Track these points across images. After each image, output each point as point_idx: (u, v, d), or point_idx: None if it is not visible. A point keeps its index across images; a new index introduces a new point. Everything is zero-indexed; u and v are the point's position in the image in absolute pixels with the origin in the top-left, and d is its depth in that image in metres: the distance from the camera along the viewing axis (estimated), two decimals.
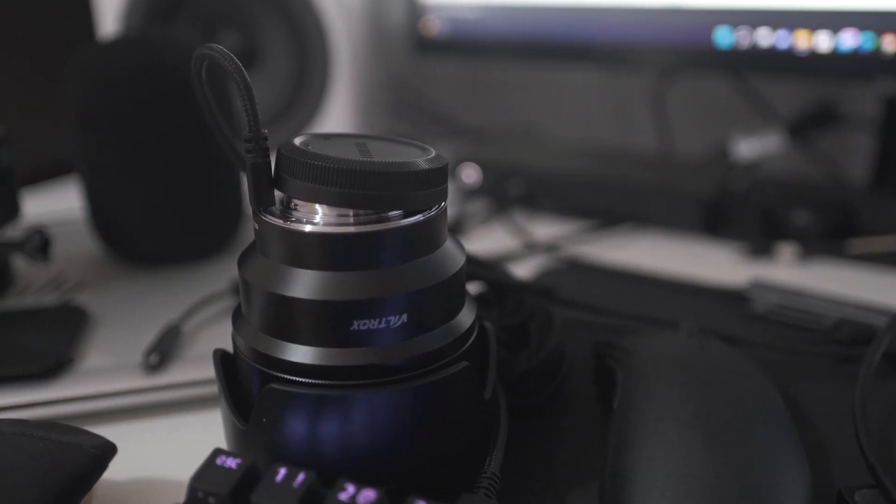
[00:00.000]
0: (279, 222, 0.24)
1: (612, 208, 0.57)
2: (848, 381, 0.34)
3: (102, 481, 0.28)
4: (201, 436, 0.32)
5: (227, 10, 0.64)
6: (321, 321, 0.24)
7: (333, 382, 0.24)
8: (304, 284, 0.24)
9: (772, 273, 0.47)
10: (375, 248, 0.24)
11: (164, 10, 0.64)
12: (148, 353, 0.35)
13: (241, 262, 0.26)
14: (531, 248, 0.52)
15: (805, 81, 0.69)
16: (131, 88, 0.42)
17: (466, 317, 0.27)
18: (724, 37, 0.56)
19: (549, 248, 0.52)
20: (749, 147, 0.65)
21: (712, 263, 0.50)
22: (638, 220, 0.56)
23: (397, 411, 0.24)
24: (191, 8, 0.64)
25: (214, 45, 0.24)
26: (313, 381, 0.24)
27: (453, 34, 0.68)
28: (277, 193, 0.25)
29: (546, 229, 0.56)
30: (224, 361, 0.28)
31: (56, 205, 0.59)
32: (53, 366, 0.35)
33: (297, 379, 0.24)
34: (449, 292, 0.26)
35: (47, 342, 0.37)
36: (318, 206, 0.24)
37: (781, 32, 0.54)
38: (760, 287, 0.43)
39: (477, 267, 0.36)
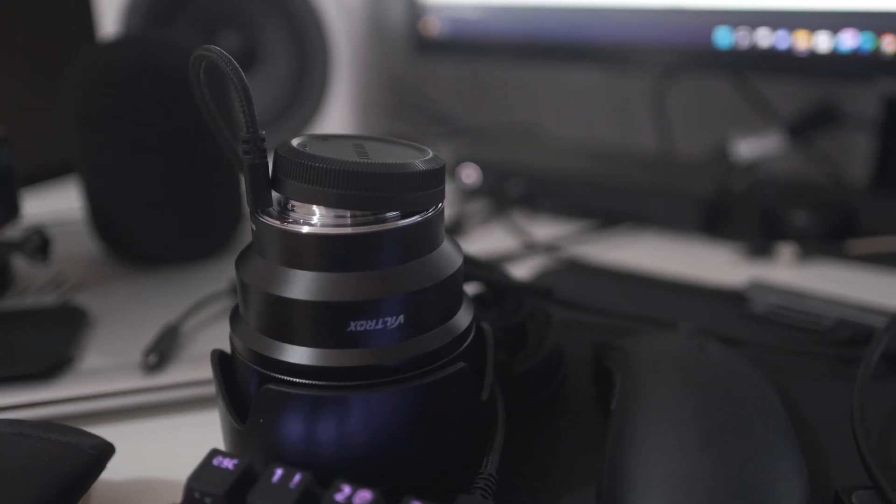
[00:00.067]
0: (276, 223, 0.24)
1: (611, 208, 0.57)
2: (846, 381, 0.34)
3: (100, 481, 0.28)
4: (199, 436, 0.32)
5: (227, 11, 0.64)
6: (318, 322, 0.24)
7: (330, 383, 0.24)
8: (301, 285, 0.24)
9: (771, 273, 0.47)
10: (372, 249, 0.24)
11: (165, 11, 0.64)
12: (147, 354, 0.35)
13: (239, 263, 0.26)
14: (531, 248, 0.52)
15: (805, 82, 0.69)
16: (131, 89, 0.42)
17: (464, 318, 0.27)
18: (723, 37, 0.56)
19: (549, 248, 0.52)
20: (749, 147, 0.65)
21: (712, 264, 0.50)
22: (638, 221, 0.56)
23: (394, 412, 0.24)
24: (191, 9, 0.64)
25: (212, 46, 0.24)
26: (310, 381, 0.24)
27: (453, 35, 0.68)
28: (275, 194, 0.25)
29: (546, 229, 0.56)
30: (222, 362, 0.28)
31: (56, 205, 0.59)
32: (53, 366, 0.35)
33: (295, 380, 0.24)
34: (446, 293, 0.26)
35: (47, 342, 0.37)
36: (315, 208, 0.24)
37: (781, 33, 0.54)
38: (759, 288, 0.43)
39: (475, 268, 0.36)
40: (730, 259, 0.51)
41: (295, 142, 0.25)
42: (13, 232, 0.43)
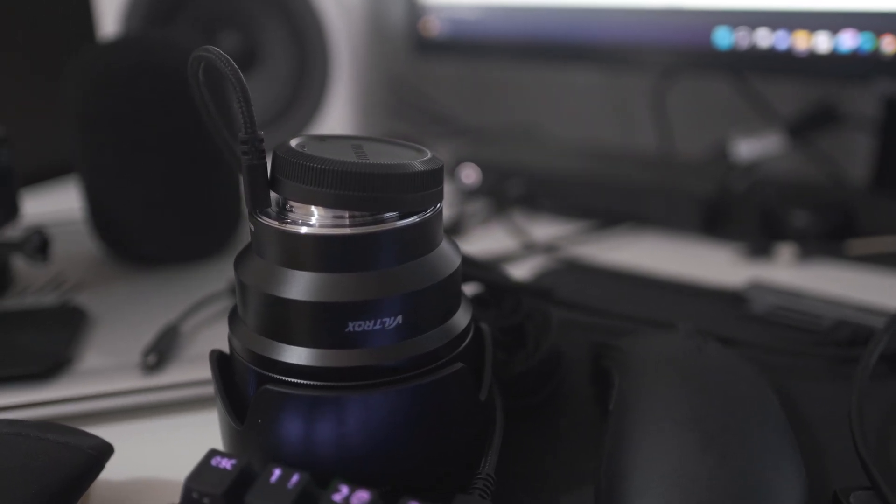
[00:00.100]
0: (275, 224, 0.24)
1: (611, 208, 0.57)
2: (846, 382, 0.34)
3: (99, 481, 0.28)
4: (198, 436, 0.32)
5: (227, 11, 0.64)
6: (316, 322, 0.24)
7: (328, 384, 0.24)
8: (299, 286, 0.24)
9: (771, 274, 0.47)
10: (371, 250, 0.24)
11: (165, 11, 0.64)
12: (146, 354, 0.35)
13: (238, 264, 0.26)
14: (530, 248, 0.52)
15: (805, 82, 0.69)
16: (131, 89, 0.42)
17: (462, 318, 0.27)
18: (723, 37, 0.56)
19: (549, 248, 0.52)
20: (749, 147, 0.65)
21: (711, 264, 0.50)
22: (638, 221, 0.56)
23: (392, 412, 0.24)
24: (191, 9, 0.64)
25: (211, 47, 0.24)
26: (309, 382, 0.24)
27: (453, 35, 0.68)
28: (273, 195, 0.25)
29: (545, 230, 0.56)
30: (220, 362, 0.28)
31: (56, 205, 0.59)
32: (52, 366, 0.35)
33: (293, 380, 0.24)
34: (444, 293, 0.26)
35: (46, 342, 0.37)
36: (313, 208, 0.24)
37: (780, 33, 0.54)
38: (758, 288, 0.43)
39: (474, 268, 0.36)
40: (729, 259, 0.51)
41: (293, 142, 0.25)
42: (13, 232, 0.43)
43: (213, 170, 0.46)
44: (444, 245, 0.27)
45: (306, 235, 0.24)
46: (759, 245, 0.50)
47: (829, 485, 0.28)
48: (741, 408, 0.28)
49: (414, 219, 0.25)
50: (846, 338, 0.38)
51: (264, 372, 0.25)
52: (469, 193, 0.62)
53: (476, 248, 0.52)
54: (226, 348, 0.28)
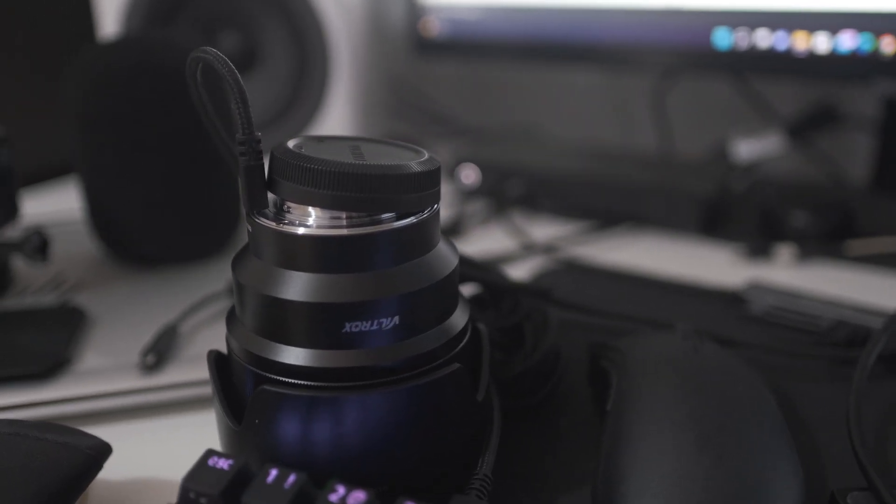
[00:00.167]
0: (272, 224, 0.25)
1: (611, 208, 0.57)
2: (844, 382, 0.34)
3: (98, 481, 0.28)
4: (197, 436, 0.32)
5: (227, 11, 0.64)
6: (313, 323, 0.24)
7: (326, 384, 0.24)
8: (296, 286, 0.24)
9: (770, 274, 0.47)
10: (368, 251, 0.24)
11: (165, 12, 0.64)
12: (145, 354, 0.36)
13: (235, 264, 0.26)
14: (530, 248, 0.52)
15: (804, 82, 0.69)
16: (131, 89, 0.43)
17: (459, 318, 0.27)
18: (722, 38, 0.56)
19: (548, 248, 0.52)
20: (749, 148, 0.65)
21: (711, 264, 0.50)
22: (637, 221, 0.56)
23: (389, 413, 0.25)
24: (191, 9, 0.64)
25: (209, 48, 0.24)
26: (306, 382, 0.24)
27: (453, 35, 0.68)
28: (271, 196, 0.25)
29: (545, 230, 0.56)
30: (218, 362, 0.28)
31: (56, 205, 0.59)
32: (51, 366, 0.35)
33: (290, 380, 0.24)
34: (442, 294, 0.26)
35: (45, 342, 0.37)
36: (310, 209, 0.24)
37: (780, 34, 0.54)
38: (757, 289, 0.43)
39: (472, 268, 0.37)
40: (729, 259, 0.51)
41: (291, 143, 0.25)
42: (13, 232, 0.43)
43: (213, 170, 0.46)
44: (442, 246, 0.27)
45: (303, 236, 0.24)
46: (759, 245, 0.50)
47: (826, 485, 0.28)
48: (738, 408, 0.28)
49: (411, 220, 0.25)
50: (844, 338, 0.38)
51: (262, 372, 0.25)
52: (469, 193, 0.62)
53: (475, 248, 0.52)
54: (224, 349, 0.28)
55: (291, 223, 0.24)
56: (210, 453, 0.24)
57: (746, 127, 0.68)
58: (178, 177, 0.45)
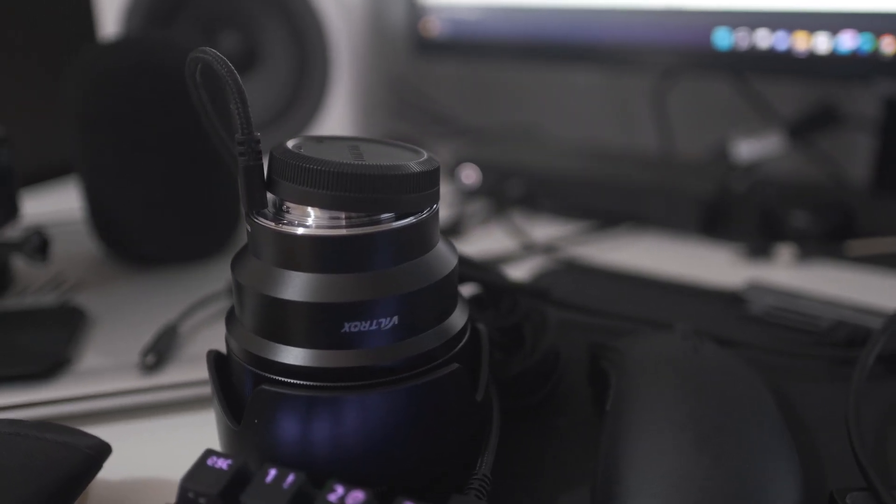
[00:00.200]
0: (271, 225, 0.25)
1: (611, 208, 0.57)
2: (843, 383, 0.34)
3: (97, 481, 0.28)
4: (196, 436, 0.32)
5: (227, 11, 0.64)
6: (313, 323, 0.24)
7: (325, 384, 0.24)
8: (295, 286, 0.24)
9: (771, 274, 0.47)
10: (367, 251, 0.24)
11: (165, 12, 0.64)
12: (144, 354, 0.36)
13: (234, 264, 0.26)
14: (530, 249, 0.52)
15: (805, 83, 0.69)
16: (131, 89, 0.43)
17: (458, 318, 0.27)
18: (723, 38, 0.56)
19: (548, 249, 0.52)
20: (749, 148, 0.65)
21: (711, 264, 0.50)
22: (637, 221, 0.56)
23: (388, 413, 0.25)
24: (191, 9, 0.64)
25: (208, 48, 0.24)
26: (305, 382, 0.24)
27: (453, 35, 0.68)
28: (270, 196, 0.25)
29: (545, 230, 0.56)
30: (217, 362, 0.28)
31: (56, 205, 0.59)
32: (51, 366, 0.35)
33: (289, 380, 0.24)
34: (441, 294, 0.26)
35: (45, 342, 0.37)
36: (309, 209, 0.24)
37: (780, 34, 0.54)
38: (757, 289, 0.43)
39: (471, 268, 0.37)
40: (729, 260, 0.51)
41: (290, 143, 0.25)
42: (13, 232, 0.43)
43: (213, 170, 0.46)
44: (441, 246, 0.27)
45: (302, 236, 0.24)
46: (759, 245, 0.50)
47: (825, 485, 0.28)
48: (737, 408, 0.28)
49: (410, 220, 0.25)
50: (844, 339, 0.38)
51: (261, 372, 0.25)
52: (469, 194, 0.62)
53: (476, 248, 0.52)
54: (224, 349, 0.28)
55: (290, 223, 0.24)
56: (209, 453, 0.24)
57: (747, 127, 0.68)
58: (178, 177, 0.45)
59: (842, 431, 0.29)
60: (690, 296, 0.45)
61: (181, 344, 0.38)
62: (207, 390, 0.33)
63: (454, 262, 0.27)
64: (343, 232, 0.24)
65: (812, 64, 0.53)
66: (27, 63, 0.63)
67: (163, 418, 0.34)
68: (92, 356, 0.37)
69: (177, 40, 0.46)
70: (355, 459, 0.25)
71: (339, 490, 0.22)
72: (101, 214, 0.46)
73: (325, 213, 0.24)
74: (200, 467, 0.23)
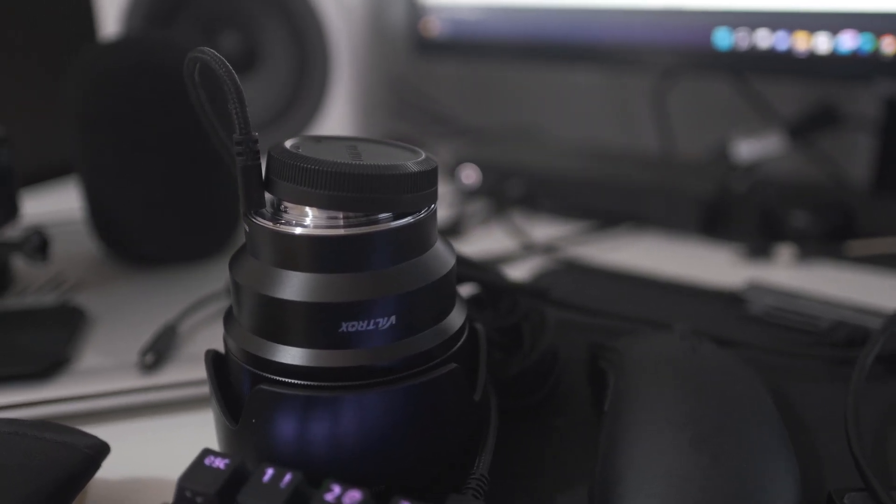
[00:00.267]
0: (269, 224, 0.25)
1: (611, 208, 0.57)
2: (843, 383, 0.34)
3: (96, 480, 0.28)
4: (195, 436, 0.32)
5: (228, 11, 0.64)
6: (310, 323, 0.24)
7: (322, 384, 0.24)
8: (293, 286, 0.24)
9: (770, 274, 0.47)
10: (365, 251, 0.24)
11: (165, 12, 0.64)
12: (144, 353, 0.36)
13: (232, 264, 0.26)
14: (529, 248, 0.52)
15: (805, 83, 0.68)
16: (131, 89, 0.43)
17: (456, 318, 0.27)
18: (723, 38, 0.56)
19: (548, 249, 0.52)
20: (749, 148, 0.65)
21: (711, 264, 0.50)
22: (637, 221, 0.56)
23: (386, 412, 0.25)
24: (191, 9, 0.64)
25: (206, 48, 0.24)
26: (303, 382, 0.24)
27: (454, 35, 0.68)
28: (268, 196, 0.25)
29: (545, 230, 0.56)
30: (216, 362, 0.28)
31: (56, 205, 0.60)
32: (50, 365, 0.35)
33: (287, 380, 0.24)
34: (438, 294, 0.26)
35: (45, 342, 0.37)
36: (307, 209, 0.24)
37: (780, 34, 0.54)
38: (756, 289, 0.43)
39: (469, 268, 0.37)
40: (729, 260, 0.51)
41: (288, 143, 0.25)
42: (13, 232, 0.43)
43: (213, 170, 0.46)
44: (439, 246, 0.27)
45: (300, 236, 0.24)
46: (759, 246, 0.50)
47: (823, 486, 0.28)
48: (736, 408, 0.28)
49: (408, 219, 0.25)
50: (843, 339, 0.38)
51: (259, 372, 0.25)
52: (469, 194, 0.62)
53: (476, 248, 0.52)
54: (222, 348, 0.28)
55: (288, 223, 0.24)
56: (206, 452, 0.24)
57: (747, 127, 0.68)
58: (178, 177, 0.45)
59: (841, 432, 0.29)
60: (690, 296, 0.45)
61: (180, 344, 0.38)
62: (206, 390, 0.33)
63: (452, 261, 0.27)
64: (341, 232, 0.24)
65: (812, 64, 0.53)
66: (27, 63, 0.63)
67: (161, 418, 0.34)
68: (91, 356, 0.37)
69: (177, 40, 0.46)
70: (353, 459, 0.25)
71: (336, 490, 0.22)
72: (101, 214, 0.46)
73: (323, 213, 0.24)
74: (198, 466, 0.23)
